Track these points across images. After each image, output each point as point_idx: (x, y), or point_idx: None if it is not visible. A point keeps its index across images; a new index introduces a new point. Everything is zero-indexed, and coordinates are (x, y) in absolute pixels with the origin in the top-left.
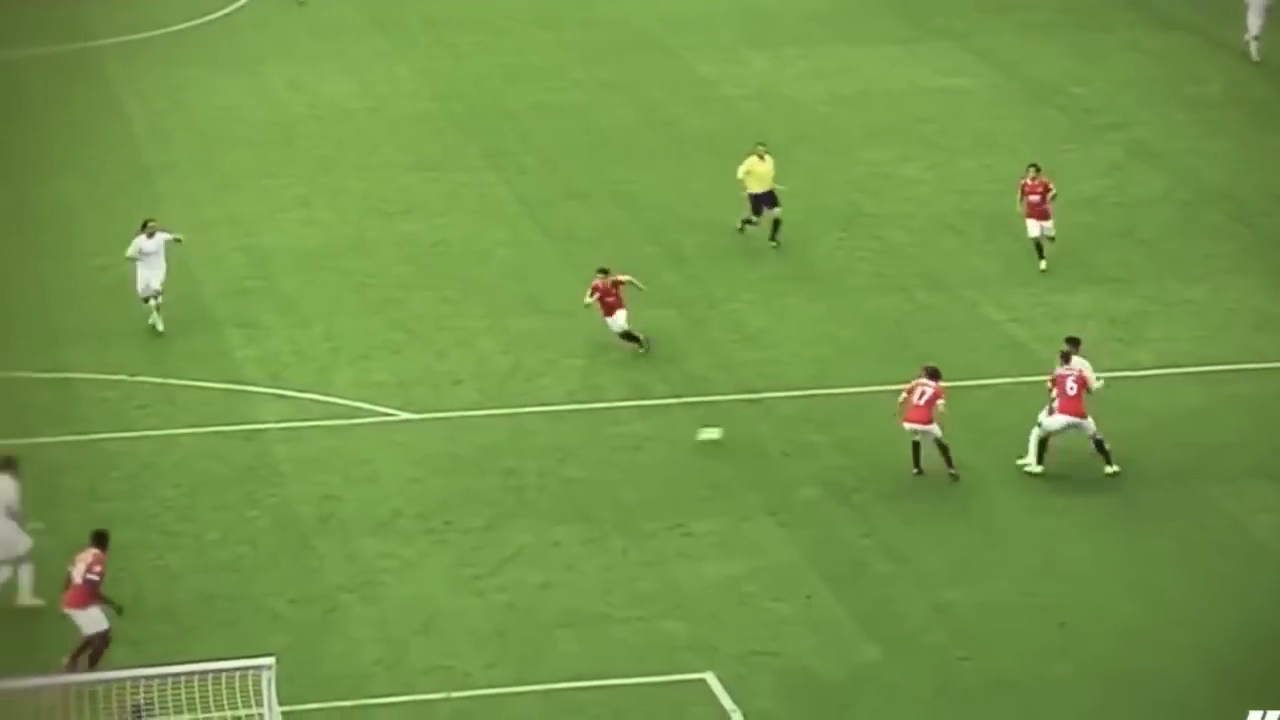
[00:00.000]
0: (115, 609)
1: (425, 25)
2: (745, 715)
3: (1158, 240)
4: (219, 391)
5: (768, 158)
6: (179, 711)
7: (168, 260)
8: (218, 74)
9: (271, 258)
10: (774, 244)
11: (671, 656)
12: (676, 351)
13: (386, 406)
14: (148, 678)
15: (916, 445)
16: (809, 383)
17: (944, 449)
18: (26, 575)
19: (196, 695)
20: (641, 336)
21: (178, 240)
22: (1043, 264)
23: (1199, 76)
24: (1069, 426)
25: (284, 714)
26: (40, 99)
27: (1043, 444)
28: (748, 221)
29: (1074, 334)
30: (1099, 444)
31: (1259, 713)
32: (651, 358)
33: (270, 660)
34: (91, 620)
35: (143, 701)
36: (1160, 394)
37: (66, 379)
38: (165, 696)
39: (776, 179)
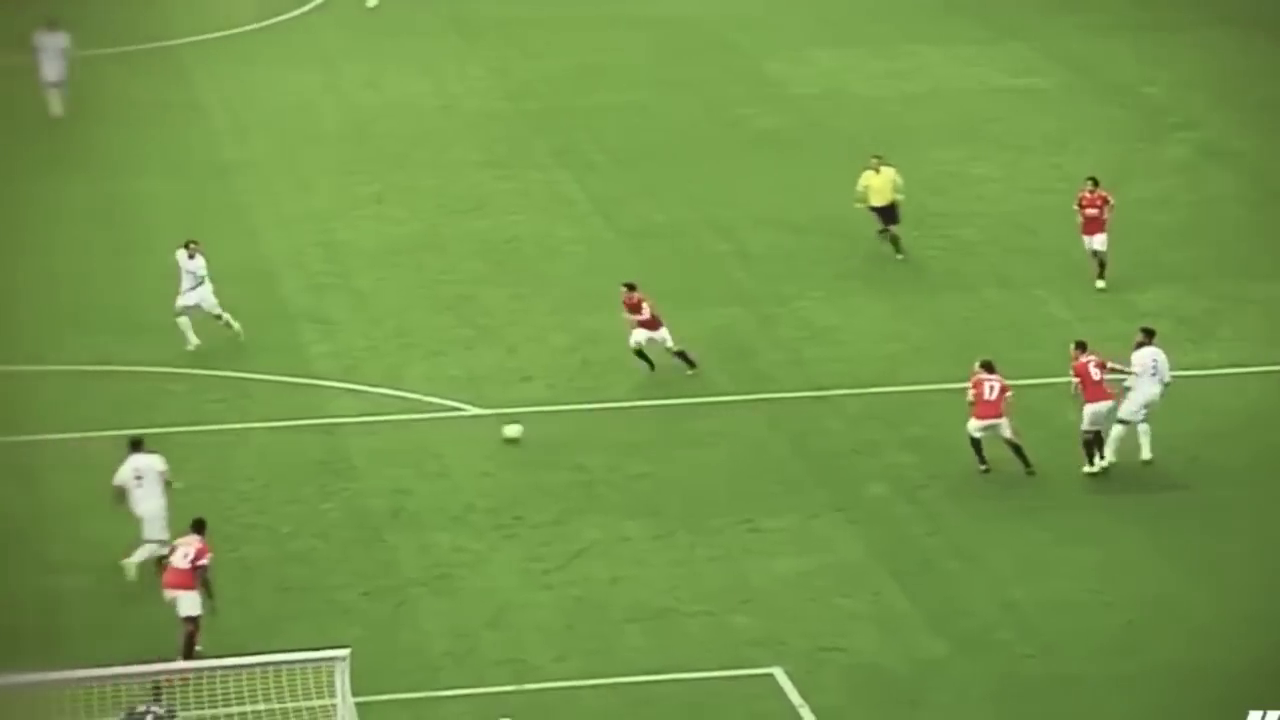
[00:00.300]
0: (213, 603)
1: (497, 24)
2: (813, 710)
3: (1228, 239)
4: (293, 386)
5: (884, 169)
6: (254, 701)
7: (203, 282)
8: (294, 72)
9: (346, 254)
10: (900, 257)
11: (739, 651)
12: (745, 348)
13: (458, 401)
14: (224, 668)
15: (978, 442)
16: (877, 380)
17: (1017, 447)
18: (143, 549)
19: (271, 686)
20: (651, 361)
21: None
22: (1101, 283)
23: (1270, 75)
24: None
25: (356, 705)
26: (122, 97)
27: (1090, 444)
28: (883, 231)
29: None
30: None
31: (1259, 713)
32: (720, 355)
33: (344, 652)
34: (193, 604)
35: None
36: (1230, 393)
37: (145, 372)
38: (241, 687)
39: (898, 187)
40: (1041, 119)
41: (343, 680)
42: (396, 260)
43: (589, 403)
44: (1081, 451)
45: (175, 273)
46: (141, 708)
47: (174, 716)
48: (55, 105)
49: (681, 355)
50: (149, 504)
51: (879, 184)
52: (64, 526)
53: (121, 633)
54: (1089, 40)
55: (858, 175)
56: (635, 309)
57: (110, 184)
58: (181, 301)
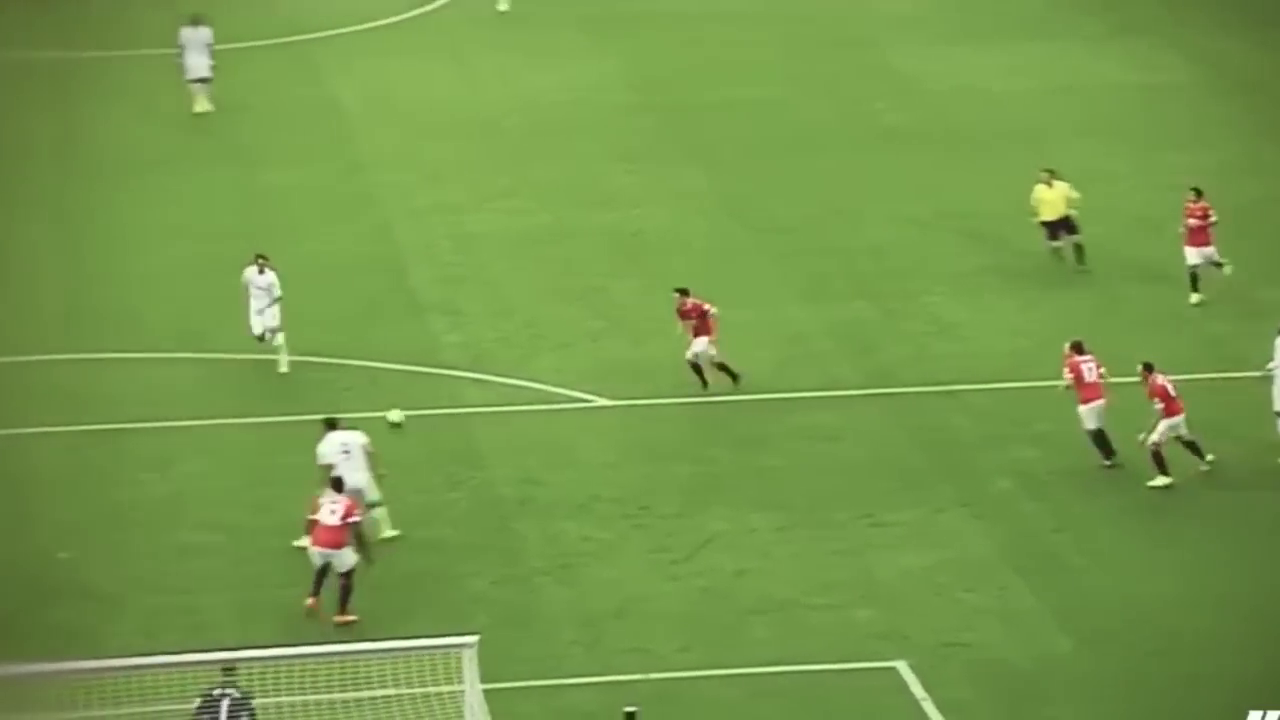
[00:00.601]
0: (368, 556)
1: (628, 19)
2: (936, 704)
3: None
4: (423, 376)
5: (1056, 183)
6: (384, 687)
7: (279, 301)
8: (427, 66)
9: (477, 246)
10: (1082, 269)
11: (863, 644)
12: (871, 343)
13: (585, 393)
14: (354, 653)
15: (1102, 434)
16: (1003, 375)
17: (1101, 440)
18: (381, 512)
19: (401, 672)
20: (707, 379)
21: (276, 297)
22: (1195, 297)
23: None
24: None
25: (484, 691)
26: (257, 91)
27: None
28: (1055, 246)
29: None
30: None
31: (1259, 713)
32: (846, 349)
33: (473, 639)
34: (348, 560)
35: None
36: None
37: (279, 360)
38: (370, 672)
39: (1071, 201)
40: (1173, 114)
41: (471, 667)
42: (526, 252)
43: (716, 395)
44: (1150, 462)
45: (244, 291)
46: (218, 690)
47: (252, 698)
48: (201, 102)
49: (696, 368)
50: (358, 475)
51: (1051, 197)
52: (199, 512)
53: (259, 615)
54: (1220, 35)
55: (987, 171)
56: (688, 315)
57: (246, 175)
58: (264, 324)
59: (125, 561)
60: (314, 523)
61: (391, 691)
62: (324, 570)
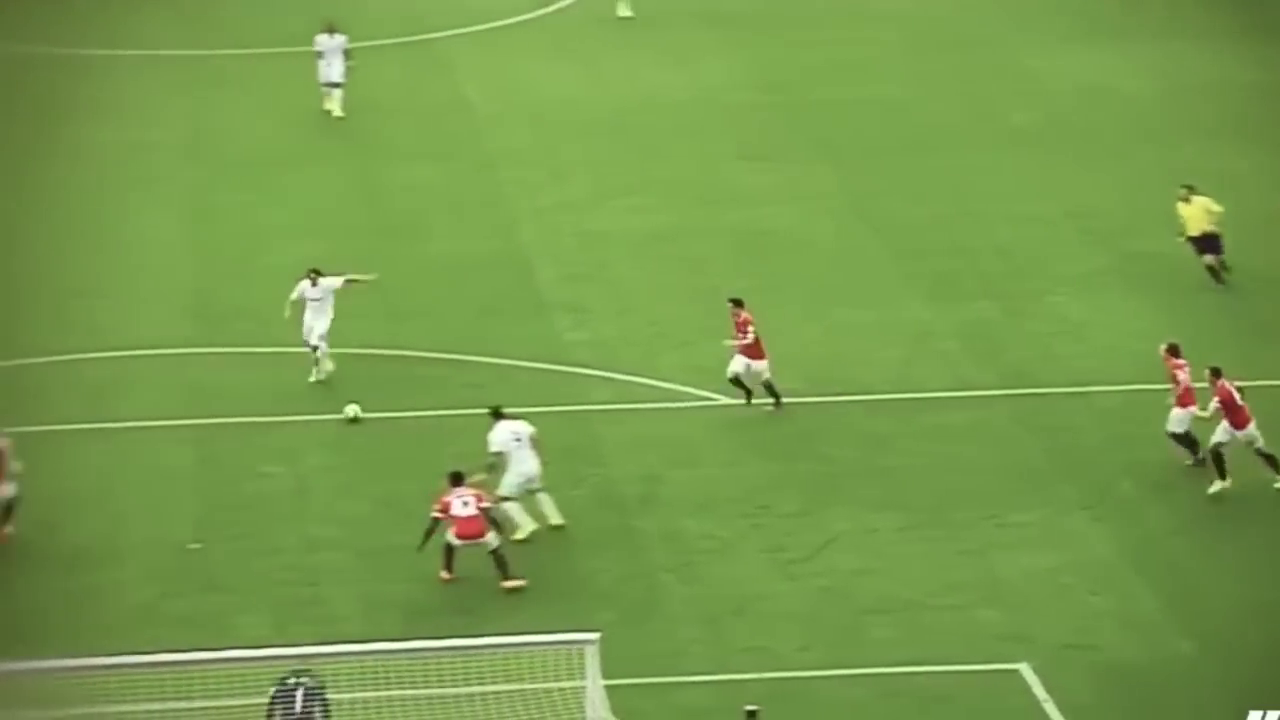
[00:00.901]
0: (503, 534)
1: (755, 18)
2: (1058, 707)
3: None
4: (548, 373)
5: (1195, 199)
6: (506, 681)
7: (336, 308)
8: (556, 64)
9: (602, 244)
10: (1220, 287)
11: (986, 646)
12: (996, 343)
13: (709, 391)
14: (476, 648)
15: (1188, 435)
16: (1130, 377)
17: (1186, 440)
18: (548, 502)
19: (525, 667)
20: (749, 390)
21: (353, 281)
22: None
23: None
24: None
25: (605, 687)
26: (387, 88)
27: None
28: (1208, 262)
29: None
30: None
31: (1259, 713)
32: (971, 348)
33: (594, 635)
34: (492, 541)
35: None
36: None
37: (403, 356)
38: (494, 667)
39: (1213, 216)
40: None
41: (593, 663)
42: (649, 251)
43: (839, 394)
44: (1210, 465)
45: (300, 305)
46: (291, 680)
47: (324, 688)
48: (336, 106)
49: (737, 382)
50: (531, 463)
51: (1192, 213)
52: (323, 505)
53: (383, 608)
54: None
55: (1114, 172)
56: (742, 329)
57: (378, 171)
58: (317, 332)
59: (253, 554)
60: (437, 521)
61: (514, 687)
62: (454, 548)
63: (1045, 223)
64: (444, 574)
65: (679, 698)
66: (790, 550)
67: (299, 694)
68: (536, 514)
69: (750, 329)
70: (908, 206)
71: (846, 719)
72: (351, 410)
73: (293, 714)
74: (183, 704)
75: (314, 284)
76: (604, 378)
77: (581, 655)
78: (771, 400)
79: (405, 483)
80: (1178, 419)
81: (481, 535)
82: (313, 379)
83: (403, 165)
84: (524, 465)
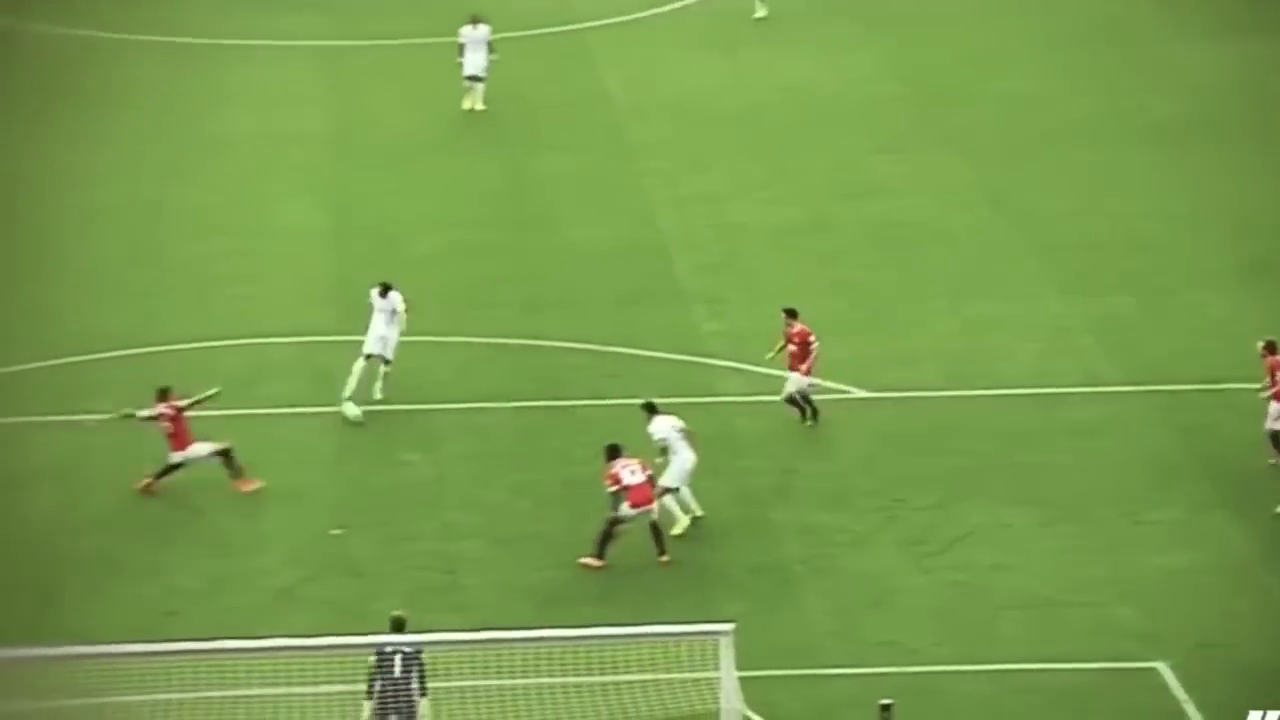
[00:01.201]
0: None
1: (892, 11)
2: (1198, 707)
3: None
4: (683, 364)
5: None
6: (640, 671)
7: (401, 329)
8: (696, 56)
9: (739, 235)
10: None
11: (1121, 644)
12: (1133, 338)
13: (844, 384)
14: (611, 638)
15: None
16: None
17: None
18: (690, 494)
19: (659, 657)
20: (807, 410)
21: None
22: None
23: None
24: None
25: (739, 679)
26: (528, 78)
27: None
28: None
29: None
30: None
31: (1259, 713)
32: (1109, 344)
33: (728, 626)
34: (656, 509)
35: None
36: None
37: (543, 346)
38: (628, 657)
39: None
40: None
41: (727, 654)
42: (788, 242)
43: (976, 388)
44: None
45: (368, 313)
46: (390, 648)
47: (420, 653)
48: (474, 99)
49: (805, 401)
50: (691, 455)
51: None
52: (461, 493)
53: (517, 596)
54: None
55: (1256, 168)
56: (791, 341)
57: (518, 162)
58: (381, 348)
59: (392, 540)
60: (616, 494)
61: (649, 677)
62: (616, 526)
63: (1185, 218)
64: (595, 561)
65: (813, 690)
66: (925, 544)
67: (398, 659)
68: (680, 504)
69: (811, 340)
70: (1045, 200)
71: (980, 715)
72: (352, 411)
73: (392, 677)
74: (307, 689)
75: (383, 295)
76: (739, 369)
77: (715, 646)
78: (809, 412)
79: (542, 472)
80: (1276, 413)
81: (652, 502)
82: (378, 396)
83: (543, 155)
84: (685, 457)
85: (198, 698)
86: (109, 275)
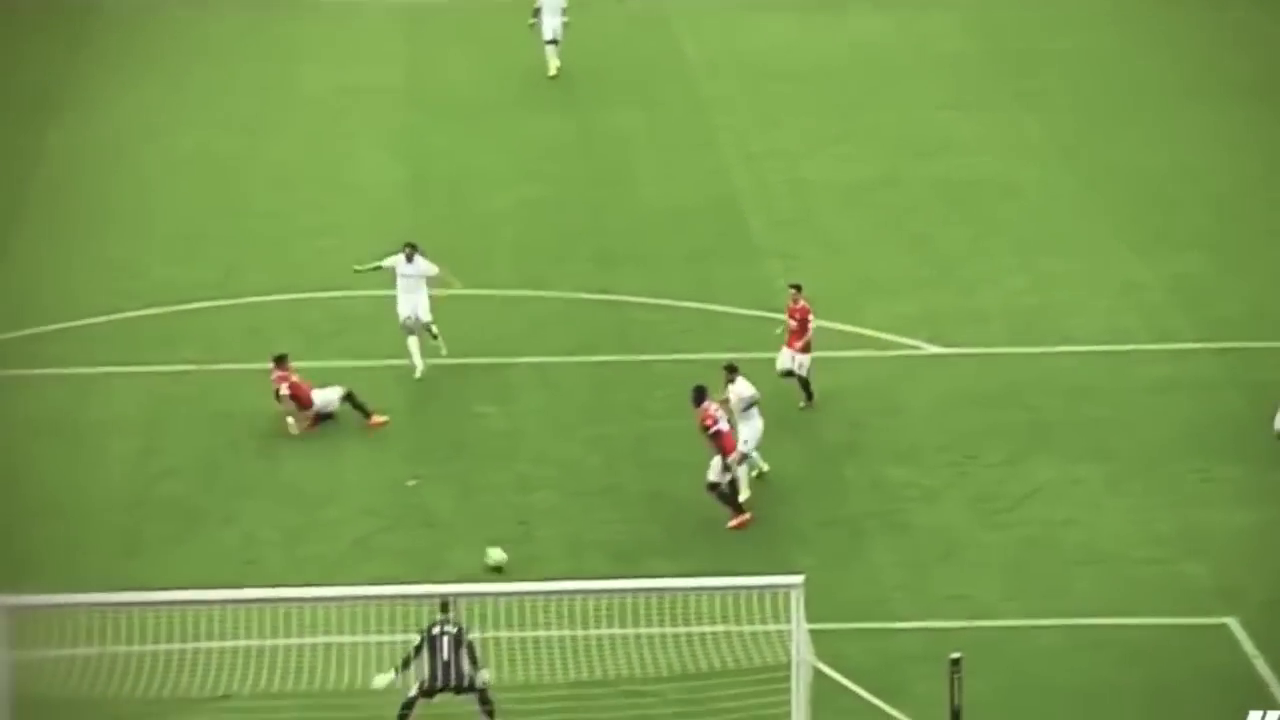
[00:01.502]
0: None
1: None
2: (1269, 663)
3: None
4: (756, 319)
5: None
6: (713, 623)
7: (431, 292)
8: (767, 13)
9: (811, 191)
10: None
11: (1192, 600)
12: (1208, 295)
13: (915, 340)
14: (684, 590)
15: None
16: None
17: None
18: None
19: (730, 609)
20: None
21: (443, 280)
22: None
23: None
24: None
25: (810, 631)
26: (606, 36)
27: None
28: None
29: None
30: None
31: (1259, 713)
32: (1181, 301)
33: (799, 579)
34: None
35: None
36: None
37: (617, 301)
38: (700, 609)
39: None
40: None
41: (797, 606)
42: (859, 199)
43: (1045, 345)
44: None
45: (392, 280)
46: (436, 629)
47: (464, 630)
48: (552, 64)
49: (802, 382)
50: (759, 421)
51: None
52: (535, 446)
53: (588, 549)
54: None
55: None
56: (794, 316)
57: (589, 117)
58: (415, 313)
59: (466, 491)
60: (719, 434)
61: (720, 628)
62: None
63: (1258, 177)
64: (740, 517)
65: (882, 643)
66: (995, 500)
67: (445, 641)
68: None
69: (810, 318)
70: (1118, 158)
71: (1049, 669)
72: (497, 557)
73: (442, 660)
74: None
75: (409, 259)
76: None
77: (787, 598)
78: (805, 396)
79: (615, 426)
80: None
81: (736, 449)
82: (416, 367)
83: (616, 112)
84: (757, 424)
85: (277, 644)
86: (192, 227)
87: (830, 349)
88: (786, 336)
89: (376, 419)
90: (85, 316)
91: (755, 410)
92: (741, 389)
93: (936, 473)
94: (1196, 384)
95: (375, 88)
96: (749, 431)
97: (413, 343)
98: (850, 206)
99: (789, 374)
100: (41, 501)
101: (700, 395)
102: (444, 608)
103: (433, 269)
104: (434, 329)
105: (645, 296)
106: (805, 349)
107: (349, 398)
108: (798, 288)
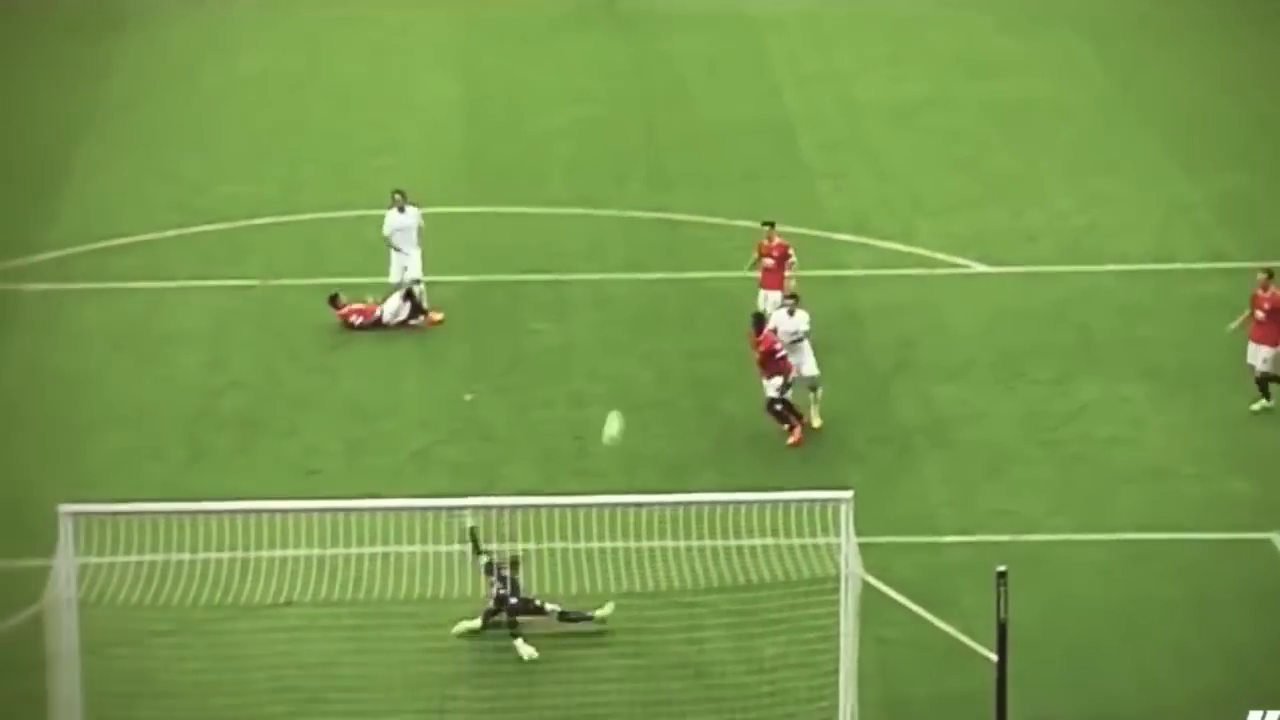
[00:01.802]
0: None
1: None
2: None
3: None
4: (808, 238)
5: None
6: (763, 536)
7: (422, 244)
8: None
9: (862, 112)
10: None
11: (1236, 516)
12: (1253, 214)
13: (965, 259)
14: (736, 503)
15: None
16: None
17: None
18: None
19: (780, 522)
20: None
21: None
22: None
23: None
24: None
25: (858, 545)
26: None
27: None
28: None
29: None
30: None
31: (1259, 713)
32: (1228, 219)
33: (848, 494)
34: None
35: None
36: None
37: (672, 220)
38: (751, 522)
39: None
40: None
41: (847, 520)
42: (910, 120)
43: (1094, 264)
44: None
45: (386, 238)
46: (495, 591)
47: (509, 600)
48: None
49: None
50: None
51: None
52: (588, 362)
53: (642, 464)
54: None
55: None
56: (769, 254)
57: (645, 41)
58: (396, 277)
59: (522, 407)
60: (783, 359)
61: (770, 541)
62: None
63: None
64: (796, 434)
65: (930, 557)
66: (1043, 417)
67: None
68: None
69: (791, 254)
70: (1166, 78)
71: (1094, 583)
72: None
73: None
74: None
75: (401, 210)
76: (862, 244)
77: (836, 512)
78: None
79: (668, 341)
80: None
81: (793, 371)
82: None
83: (669, 33)
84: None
85: (336, 554)
86: (255, 145)
87: (880, 267)
88: (762, 277)
89: (433, 316)
90: (152, 231)
91: (806, 343)
92: (800, 319)
93: (985, 390)
94: (1244, 302)
95: (433, 3)
96: (811, 357)
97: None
98: (901, 127)
99: (761, 317)
100: (109, 412)
101: (760, 322)
102: (513, 563)
103: (421, 220)
104: (422, 291)
105: (698, 215)
106: (775, 285)
107: (408, 294)
108: (772, 225)
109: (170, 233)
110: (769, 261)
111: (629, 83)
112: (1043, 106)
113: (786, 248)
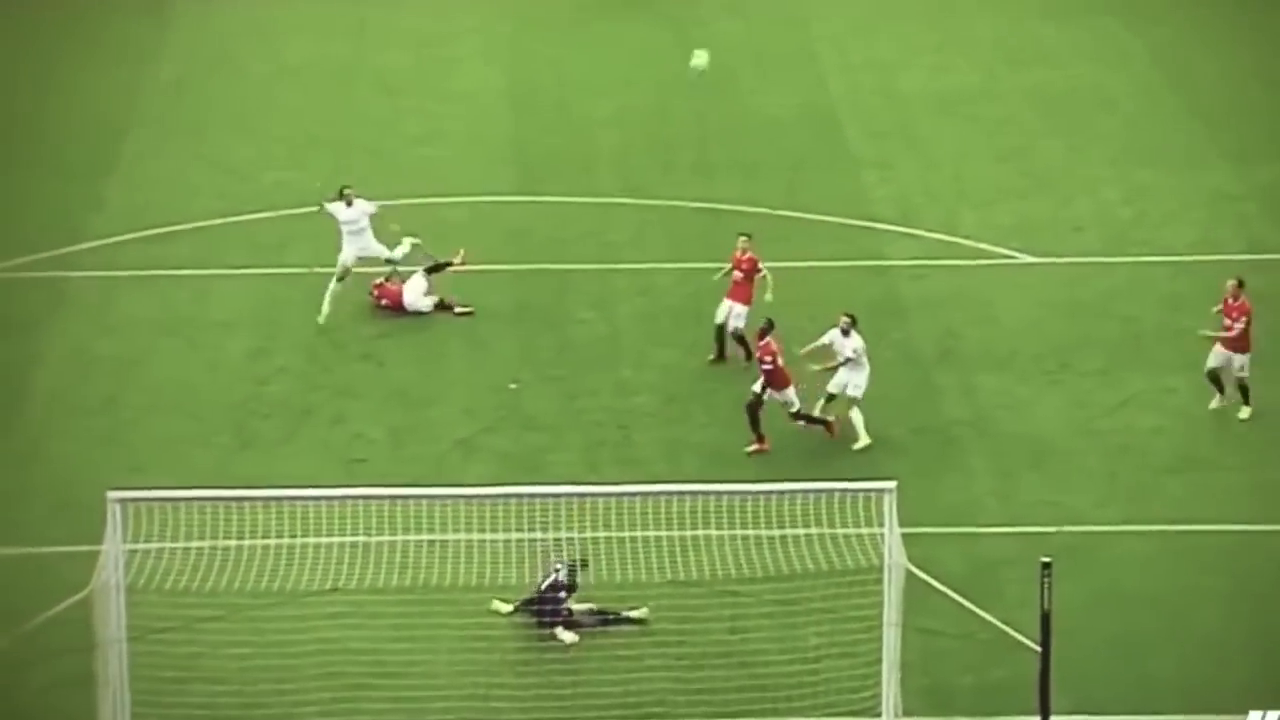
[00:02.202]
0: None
1: None
2: None
3: None
4: (852, 228)
5: None
6: (807, 526)
7: (378, 235)
8: None
9: (907, 102)
10: None
11: None
12: None
13: (1010, 249)
14: (780, 493)
15: None
16: None
17: None
18: (858, 417)
19: (824, 512)
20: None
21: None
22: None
23: None
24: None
25: (903, 535)
26: None
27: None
28: None
29: None
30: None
31: (1259, 713)
32: (1273, 212)
33: (892, 484)
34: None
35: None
36: None
37: (715, 209)
38: (795, 513)
39: None
40: None
41: (890, 510)
42: (955, 109)
43: (1140, 255)
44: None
45: (337, 231)
46: (550, 590)
47: (565, 596)
48: None
49: (739, 339)
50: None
51: None
52: (635, 351)
53: (684, 451)
54: None
55: None
56: (739, 267)
57: (687, 28)
58: (343, 259)
59: (567, 395)
60: (773, 371)
61: (814, 531)
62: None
63: None
64: (759, 444)
65: (974, 547)
66: (1088, 408)
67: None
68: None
69: (761, 269)
70: (1212, 67)
71: (1139, 574)
72: (701, 60)
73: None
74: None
75: (349, 204)
76: (907, 234)
77: (880, 502)
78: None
79: (712, 331)
80: None
81: (786, 387)
82: (323, 316)
83: (715, 20)
84: (867, 372)
85: (382, 541)
86: (301, 133)
87: (925, 257)
88: (730, 288)
89: (460, 309)
90: (200, 219)
91: (854, 363)
92: (855, 340)
93: (1029, 380)
94: None
95: None
96: (862, 376)
97: (336, 289)
98: (945, 116)
99: (740, 339)
100: (157, 399)
101: (766, 328)
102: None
103: (371, 207)
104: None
105: (742, 205)
106: (749, 301)
107: (436, 268)
108: (748, 236)
109: (217, 220)
110: (738, 274)
111: (673, 70)
112: (1088, 95)
113: (756, 261)
